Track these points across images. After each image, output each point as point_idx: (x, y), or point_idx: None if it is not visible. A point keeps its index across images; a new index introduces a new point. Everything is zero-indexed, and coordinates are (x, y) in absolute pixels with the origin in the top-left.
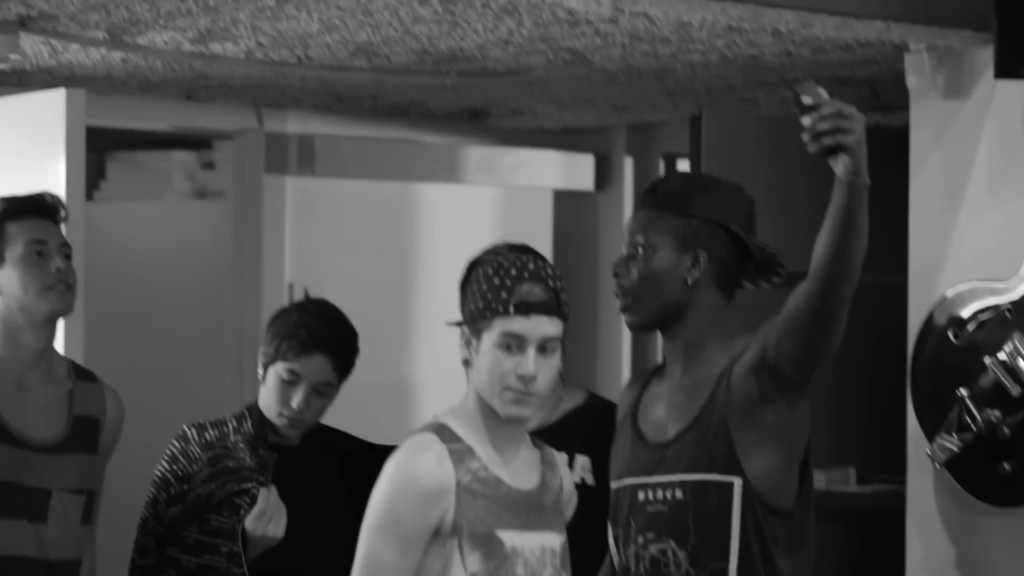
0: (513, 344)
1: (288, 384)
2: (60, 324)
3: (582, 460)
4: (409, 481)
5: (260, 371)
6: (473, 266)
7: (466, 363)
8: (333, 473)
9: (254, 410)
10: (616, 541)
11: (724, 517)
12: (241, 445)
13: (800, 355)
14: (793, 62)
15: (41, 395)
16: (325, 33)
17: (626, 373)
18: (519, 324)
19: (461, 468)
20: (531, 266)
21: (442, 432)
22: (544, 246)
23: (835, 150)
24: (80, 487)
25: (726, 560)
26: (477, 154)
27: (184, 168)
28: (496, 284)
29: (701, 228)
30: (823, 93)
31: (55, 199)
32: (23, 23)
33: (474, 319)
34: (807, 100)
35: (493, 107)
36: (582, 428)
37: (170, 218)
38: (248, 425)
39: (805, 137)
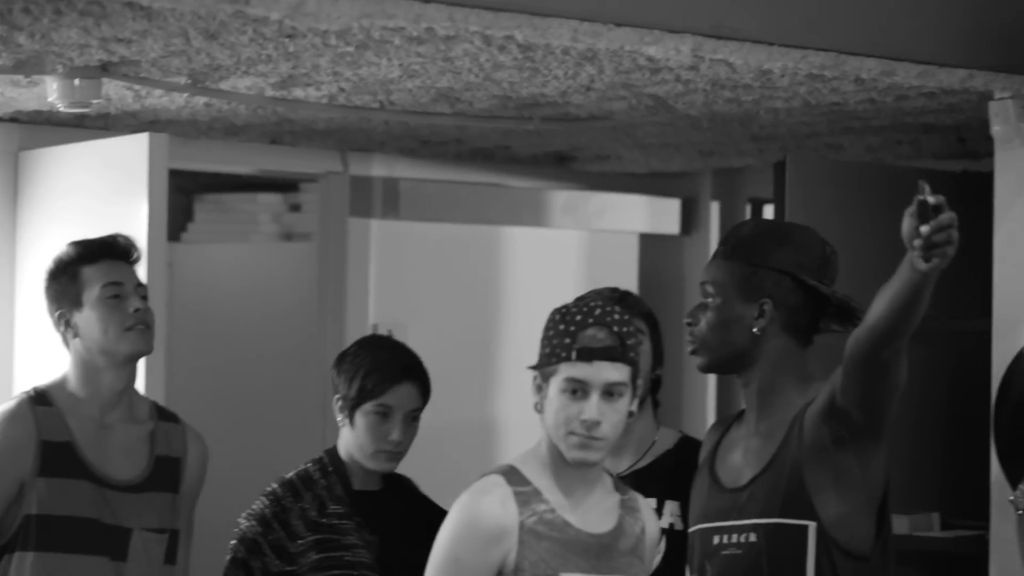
0: (577, 389)
1: (382, 418)
2: (141, 364)
3: (671, 506)
4: (471, 522)
5: (341, 417)
6: (553, 312)
7: (537, 408)
8: (416, 511)
9: (335, 457)
10: None
11: (799, 561)
12: (347, 524)
13: (863, 400)
14: (877, 108)
15: (122, 434)
16: (406, 79)
17: (711, 416)
18: (582, 370)
19: (526, 510)
20: (597, 312)
21: (510, 475)
22: (630, 289)
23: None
24: (162, 527)
25: None
26: (562, 198)
27: (271, 210)
28: (561, 330)
29: (767, 277)
30: (931, 198)
31: (127, 240)
32: (105, 68)
33: (543, 365)
34: (931, 199)
35: (578, 151)
36: (675, 471)
37: (256, 260)
38: (334, 476)
39: (916, 244)
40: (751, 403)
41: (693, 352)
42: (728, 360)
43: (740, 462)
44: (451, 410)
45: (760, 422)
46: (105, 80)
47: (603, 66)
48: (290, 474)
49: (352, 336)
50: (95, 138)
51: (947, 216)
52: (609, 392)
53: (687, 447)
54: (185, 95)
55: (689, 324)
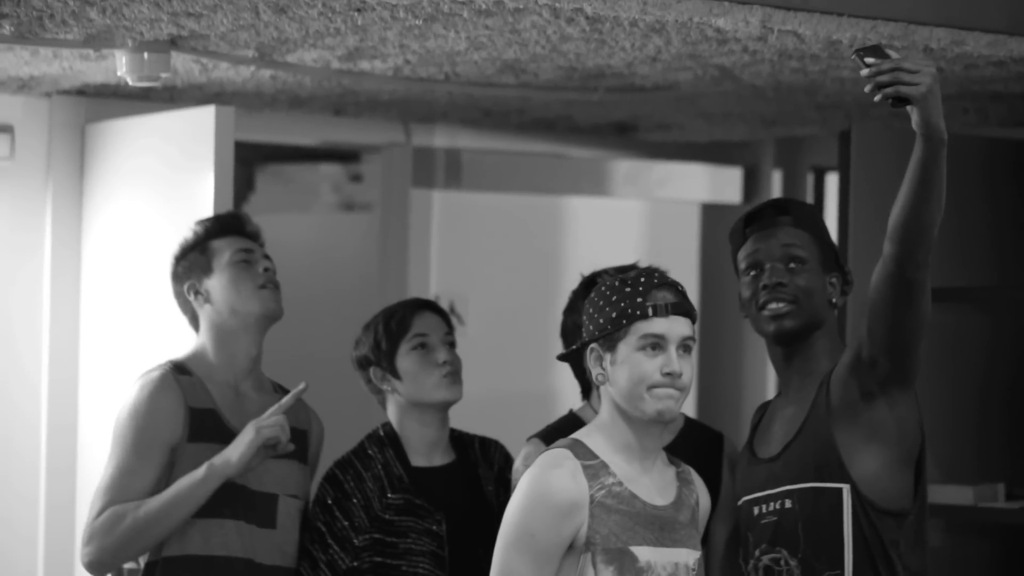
0: (656, 344)
1: (422, 349)
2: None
3: None
4: (543, 496)
5: (387, 384)
6: (584, 291)
7: (599, 380)
8: (483, 484)
9: (390, 432)
10: (743, 560)
11: (835, 525)
12: (407, 521)
13: (889, 338)
14: (945, 77)
15: (256, 403)
16: (473, 51)
17: (772, 385)
18: (660, 324)
19: (595, 483)
20: (657, 275)
21: (576, 448)
22: (691, 259)
23: (902, 101)
24: (298, 494)
25: (840, 568)
26: (624, 168)
27: (332, 181)
28: (628, 292)
29: (831, 250)
30: (893, 54)
31: (257, 226)
32: (174, 42)
33: (606, 332)
34: (869, 61)
35: (640, 121)
36: (690, 455)
37: (318, 230)
38: (390, 451)
39: (867, 88)
40: (793, 374)
41: (784, 314)
42: (809, 328)
43: (776, 433)
44: (512, 380)
45: (796, 392)
46: (173, 54)
47: (670, 37)
48: (346, 453)
49: None
50: (161, 111)
51: (887, 63)
52: (684, 346)
53: (693, 429)
54: (251, 68)
55: (780, 285)
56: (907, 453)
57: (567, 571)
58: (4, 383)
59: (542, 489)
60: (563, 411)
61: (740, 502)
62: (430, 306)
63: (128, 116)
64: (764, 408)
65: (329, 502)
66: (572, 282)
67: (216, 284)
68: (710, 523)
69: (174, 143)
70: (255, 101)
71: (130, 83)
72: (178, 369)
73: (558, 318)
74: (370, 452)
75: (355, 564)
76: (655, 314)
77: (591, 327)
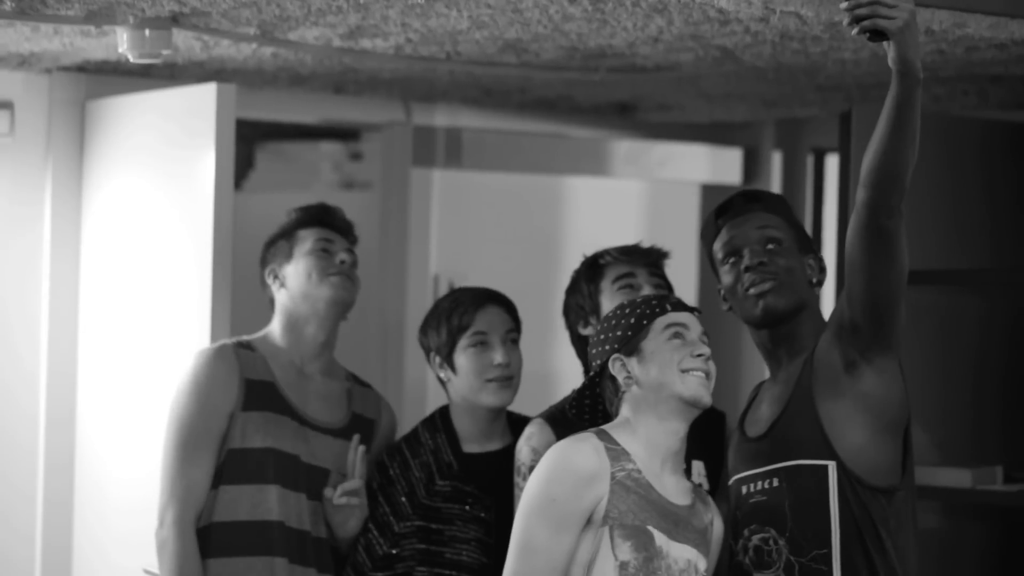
0: (681, 332)
1: (481, 347)
2: (222, 317)
3: (697, 465)
4: (567, 464)
5: (443, 373)
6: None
7: (625, 386)
8: None
9: (445, 417)
10: (732, 540)
11: (821, 502)
12: (454, 509)
13: (867, 296)
14: (945, 59)
15: (322, 385)
16: (475, 30)
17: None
18: (682, 316)
19: (616, 464)
20: (662, 295)
21: (600, 434)
22: (690, 240)
23: (879, 35)
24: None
25: (827, 546)
26: (624, 148)
27: (332, 159)
28: (642, 302)
29: (804, 235)
30: None
31: (349, 221)
32: (176, 19)
33: (627, 341)
34: None
35: (641, 101)
36: (695, 433)
37: None
38: (442, 436)
39: (844, 21)
40: (782, 355)
41: (769, 291)
42: (796, 306)
43: (764, 412)
44: None
45: (783, 371)
46: (175, 31)
47: (672, 18)
48: (399, 439)
49: (413, 286)
50: (162, 87)
51: None
52: (704, 336)
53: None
54: (252, 45)
55: (762, 264)
56: (893, 424)
57: (584, 546)
58: (1, 371)
59: (566, 457)
60: (565, 391)
61: (730, 481)
62: (497, 299)
63: (129, 93)
64: (758, 387)
65: (374, 487)
66: (573, 262)
67: (292, 270)
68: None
69: (175, 120)
70: (256, 79)
71: (131, 60)
72: (241, 344)
73: (559, 298)
74: (421, 438)
75: (394, 551)
76: (674, 309)
77: (611, 339)
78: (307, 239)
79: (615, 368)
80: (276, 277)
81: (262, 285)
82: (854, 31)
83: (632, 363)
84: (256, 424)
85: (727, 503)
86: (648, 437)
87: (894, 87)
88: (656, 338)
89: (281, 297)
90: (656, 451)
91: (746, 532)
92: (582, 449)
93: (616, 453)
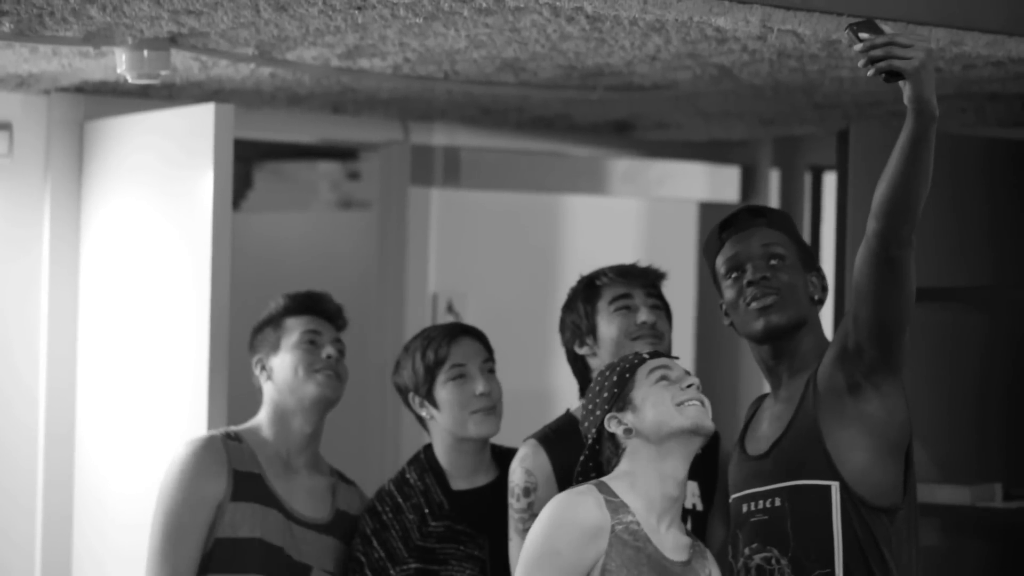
0: (665, 373)
1: (461, 380)
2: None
3: (691, 486)
4: (571, 517)
5: (424, 411)
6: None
7: (625, 437)
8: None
9: (431, 456)
10: (732, 559)
11: (824, 522)
12: (448, 549)
13: (874, 321)
14: (943, 77)
15: (308, 479)
16: (472, 49)
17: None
18: (661, 361)
19: (615, 517)
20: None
21: (600, 486)
22: (689, 258)
23: (894, 76)
24: (335, 572)
25: (831, 565)
26: (622, 166)
27: (330, 179)
28: (619, 361)
29: (807, 252)
30: (886, 29)
31: (338, 306)
32: (174, 40)
33: (616, 398)
34: (863, 36)
35: (639, 120)
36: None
37: (315, 228)
38: (431, 476)
39: (860, 63)
40: (782, 372)
41: (771, 307)
42: (797, 322)
43: (765, 430)
44: (509, 379)
45: (784, 389)
46: (173, 51)
47: (670, 36)
48: (388, 482)
49: (412, 306)
50: (160, 108)
51: (881, 38)
52: (687, 375)
53: None
54: (251, 65)
55: (765, 280)
56: (896, 445)
57: None
58: (1, 387)
59: (570, 511)
60: (560, 411)
61: (730, 500)
62: (469, 331)
63: (127, 113)
64: (759, 403)
65: (368, 533)
66: (570, 280)
67: (279, 363)
68: (709, 523)
69: (173, 140)
70: (254, 98)
71: (130, 81)
72: (229, 436)
73: (556, 316)
74: (410, 479)
75: None
76: (651, 357)
77: (600, 402)
78: (294, 330)
79: (611, 426)
80: (264, 368)
81: (253, 370)
82: (870, 72)
83: (627, 416)
84: (245, 514)
85: (722, 524)
86: (647, 489)
87: (909, 123)
88: (643, 385)
89: (268, 389)
90: (654, 504)
91: (747, 551)
92: (585, 502)
93: (615, 505)
